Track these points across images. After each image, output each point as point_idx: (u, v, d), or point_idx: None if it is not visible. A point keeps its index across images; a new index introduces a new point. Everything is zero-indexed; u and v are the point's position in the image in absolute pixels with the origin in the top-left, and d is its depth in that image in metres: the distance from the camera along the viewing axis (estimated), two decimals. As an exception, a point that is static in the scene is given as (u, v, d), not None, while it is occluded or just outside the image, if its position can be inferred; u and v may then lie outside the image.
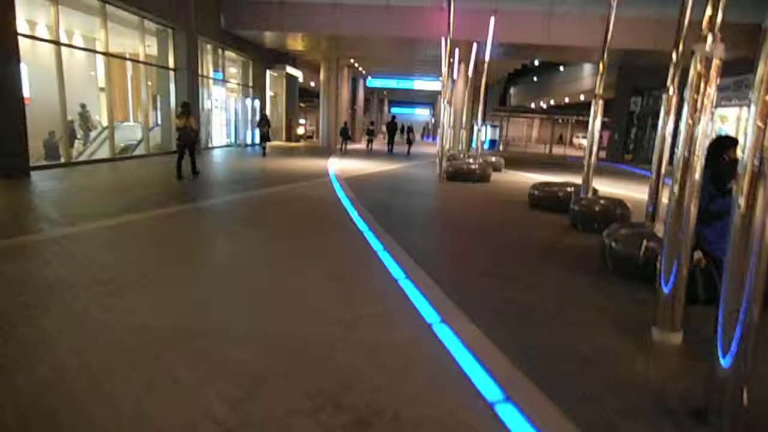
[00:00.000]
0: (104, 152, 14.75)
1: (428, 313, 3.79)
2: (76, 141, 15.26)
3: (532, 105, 52.74)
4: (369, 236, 6.30)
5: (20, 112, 10.16)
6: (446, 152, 14.88)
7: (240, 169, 14.60)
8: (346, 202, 8.74)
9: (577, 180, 8.73)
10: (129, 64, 16.89)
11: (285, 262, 5.09)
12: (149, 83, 18.11)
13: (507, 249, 6.25)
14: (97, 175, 11.20)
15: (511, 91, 57.45)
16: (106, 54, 13.86)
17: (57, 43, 12.00)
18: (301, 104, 38.07)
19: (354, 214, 7.69)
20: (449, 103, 13.57)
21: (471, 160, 14.52)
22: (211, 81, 20.66)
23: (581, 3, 19.92)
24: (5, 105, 9.78)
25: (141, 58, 15.78)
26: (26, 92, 12.35)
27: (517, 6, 19.02)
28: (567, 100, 44.54)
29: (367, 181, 12.44)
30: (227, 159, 17.94)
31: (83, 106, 15.22)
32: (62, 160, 12.39)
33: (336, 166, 15.80)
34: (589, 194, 7.88)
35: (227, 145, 22.05)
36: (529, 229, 7.55)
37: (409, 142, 26.85)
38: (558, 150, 36.12)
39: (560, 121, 44.52)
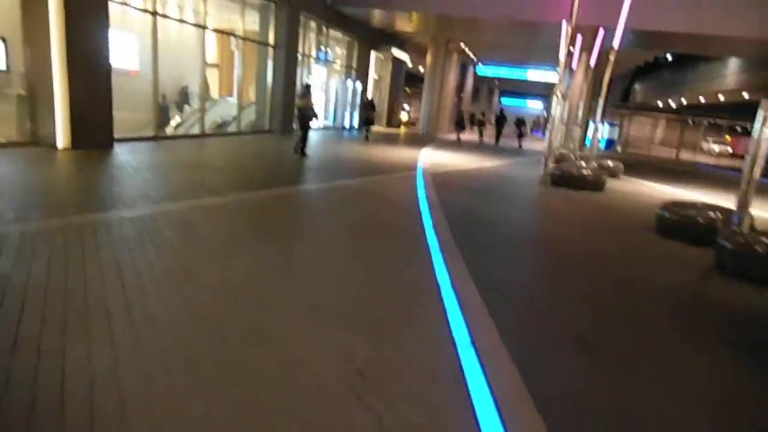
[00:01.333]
0: (196, 128, 14.49)
1: None
2: (175, 115, 15.18)
3: (659, 104, 47.31)
4: (436, 258, 4.84)
5: (107, 82, 9.81)
6: (554, 151, 12.85)
7: (328, 155, 13.64)
8: (423, 205, 7.31)
9: (721, 199, 6.58)
10: (228, 38, 16.53)
11: (301, 294, 3.81)
12: (247, 59, 17.72)
13: (621, 299, 4.50)
14: (181, 150, 10.70)
15: (636, 86, 52.02)
16: (203, 27, 13.41)
17: (153, 13, 11.61)
18: (407, 89, 36.84)
19: (428, 222, 6.25)
20: (563, 96, 11.53)
21: (582, 163, 12.40)
22: (311, 60, 19.95)
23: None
24: (92, 75, 9.44)
25: (240, 33, 15.27)
26: (135, 64, 12.25)
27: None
28: (702, 99, 39.19)
29: (458, 180, 10.88)
30: (321, 143, 17.13)
31: (185, 88, 15.01)
32: (150, 133, 12.10)
33: (429, 157, 14.34)
34: (746, 225, 5.79)
35: (324, 128, 21.35)
36: (656, 269, 5.65)
37: (521, 136, 25.28)
38: (686, 155, 31.75)
39: (691, 122, 39.35)
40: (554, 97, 13.03)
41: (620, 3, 15.26)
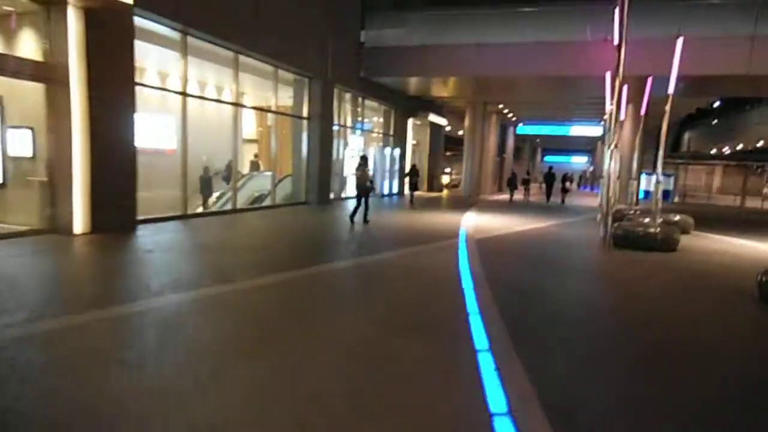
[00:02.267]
0: (230, 204, 14.04)
1: None
2: (211, 192, 14.85)
3: (713, 151, 44.84)
4: (486, 366, 3.62)
5: (132, 163, 9.39)
6: (612, 208, 11.47)
7: (361, 225, 12.76)
8: (467, 283, 6.12)
9: None
10: (263, 114, 16.42)
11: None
12: (283, 133, 17.54)
13: (741, 418, 3.12)
14: (207, 229, 10.01)
15: (686, 136, 49.86)
16: (237, 105, 13.16)
17: (183, 93, 11.39)
18: (447, 152, 36.30)
19: (473, 308, 5.06)
20: (616, 146, 10.30)
21: (647, 220, 10.94)
22: (348, 130, 19.60)
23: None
24: (115, 158, 9.03)
25: (274, 108, 15.02)
26: (172, 143, 11.97)
27: (707, 30, 15.04)
28: (761, 143, 36.73)
29: (505, 246, 9.64)
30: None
31: (229, 163, 14.71)
32: (178, 212, 11.58)
33: (473, 221, 13.19)
34: None
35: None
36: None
37: (565, 191, 24.55)
38: (750, 202, 29.18)
39: (755, 168, 36.73)
40: (606, 151, 11.85)
41: (667, 50, 14.25)
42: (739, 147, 40.66)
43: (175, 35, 11.04)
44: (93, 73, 8.37)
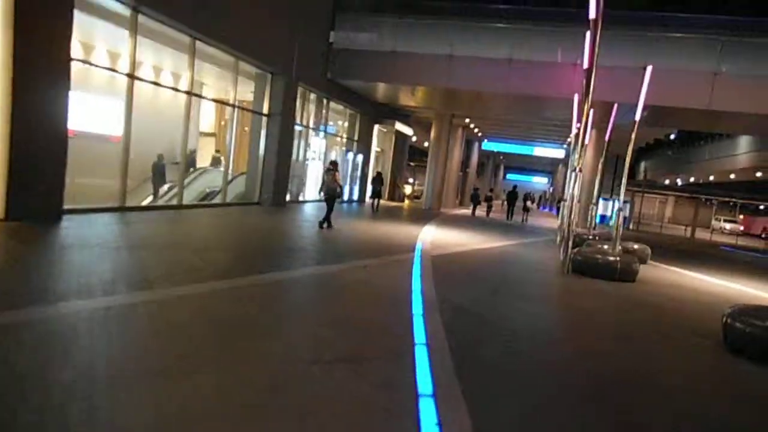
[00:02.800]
0: (176, 199, 13.14)
1: None
2: (160, 185, 13.90)
3: (666, 181, 46.23)
4: (426, 411, 3.05)
5: (61, 147, 8.45)
6: (572, 232, 11.21)
7: (318, 232, 12.10)
8: (417, 307, 5.57)
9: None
10: (221, 107, 15.58)
11: None
12: (240, 129, 16.73)
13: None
14: (142, 224, 9.12)
15: (642, 165, 51.29)
16: (190, 94, 12.29)
17: (130, 76, 10.48)
18: (411, 163, 36.01)
19: (420, 337, 4.49)
20: (580, 170, 10.03)
21: (606, 247, 10.71)
22: (310, 131, 18.91)
23: (752, 59, 15.59)
24: (42, 139, 8.09)
25: (232, 101, 14.20)
26: (117, 130, 11.00)
27: (672, 63, 15.14)
28: (712, 178, 38.02)
29: (461, 265, 9.17)
30: (315, 215, 15.64)
31: (160, 157, 13.75)
32: (115, 204, 10.61)
33: (431, 235, 12.71)
34: None
35: (320, 200, 19.95)
36: (743, 416, 3.81)
37: (526, 210, 25.08)
38: (699, 234, 30.00)
39: (703, 200, 37.95)
40: (571, 173, 11.63)
41: (633, 79, 14.27)
42: (692, 180, 42.01)
43: (124, 11, 10.15)
44: (20, 42, 7.45)
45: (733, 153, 31.12)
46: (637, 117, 10.69)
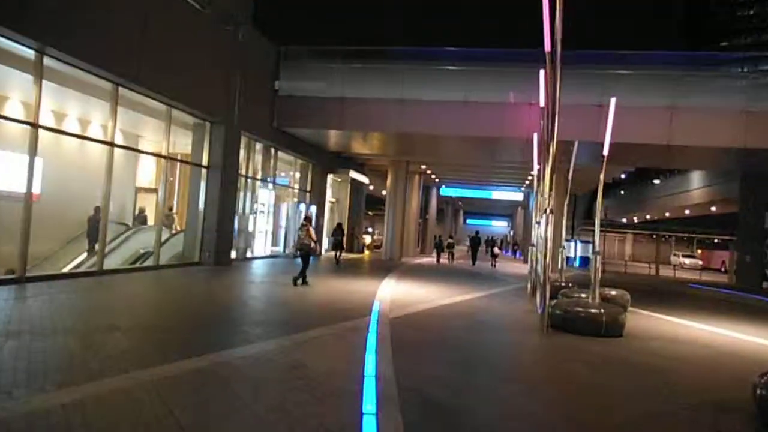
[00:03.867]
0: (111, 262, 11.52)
1: None
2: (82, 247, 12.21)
3: (623, 220, 46.80)
4: None
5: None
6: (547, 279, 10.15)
7: (262, 294, 10.59)
8: (370, 396, 4.20)
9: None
10: (156, 159, 14.15)
11: None
12: (172, 181, 15.36)
13: None
14: (36, 300, 7.42)
15: (596, 205, 52.12)
16: (110, 144, 10.84)
17: (33, 125, 9.01)
18: (369, 212, 34.98)
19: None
20: (551, 211, 9.02)
21: (585, 296, 9.67)
22: (258, 183, 17.58)
23: (708, 94, 15.52)
24: None
25: (163, 152, 12.80)
26: (33, 187, 9.40)
27: (630, 99, 14.79)
28: (667, 214, 38.52)
29: (426, 331, 7.83)
30: (263, 274, 14.11)
31: (96, 210, 12.16)
32: (14, 273, 8.88)
33: (391, 291, 11.39)
34: None
35: (272, 256, 18.43)
36: None
37: (494, 256, 25.44)
38: (663, 271, 29.78)
39: (661, 237, 38.26)
40: (536, 216, 10.75)
41: (593, 117, 13.81)
42: (647, 217, 42.57)
43: (27, 53, 8.79)
44: None
45: (687, 189, 31.55)
46: (605, 152, 9.88)
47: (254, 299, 9.38)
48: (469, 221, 55.92)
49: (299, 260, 11.79)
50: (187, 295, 9.70)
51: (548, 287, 8.10)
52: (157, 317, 7.55)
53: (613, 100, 9.46)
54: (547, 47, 9.63)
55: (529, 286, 12.98)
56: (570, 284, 11.64)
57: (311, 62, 17.34)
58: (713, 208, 31.48)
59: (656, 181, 38.80)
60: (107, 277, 10.46)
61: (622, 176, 41.24)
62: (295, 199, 20.64)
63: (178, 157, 14.84)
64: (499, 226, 56.47)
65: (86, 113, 12.55)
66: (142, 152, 13.78)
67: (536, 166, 13.55)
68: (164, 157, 12.83)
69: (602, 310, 7.99)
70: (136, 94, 11.30)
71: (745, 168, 21.38)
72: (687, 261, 38.18)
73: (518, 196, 32.50)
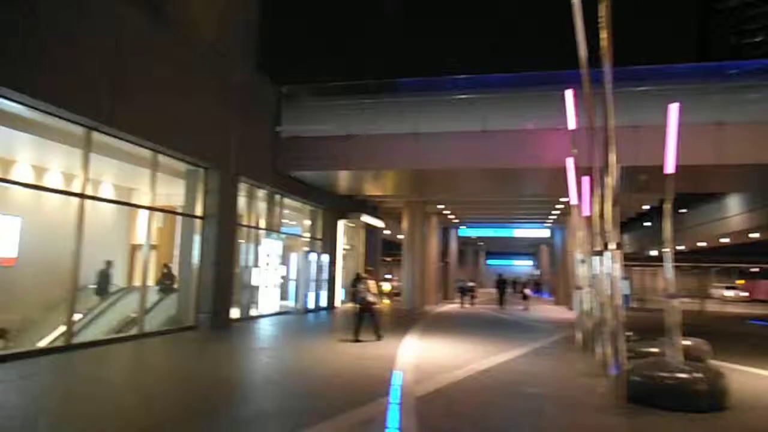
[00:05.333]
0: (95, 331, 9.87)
1: None
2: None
3: (654, 252, 44.10)
4: None
5: None
6: (606, 330, 8.17)
7: (244, 370, 8.71)
8: None
9: None
10: (142, 212, 12.68)
11: None
12: (167, 236, 13.88)
13: None
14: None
15: (624, 238, 49.55)
16: (81, 196, 9.30)
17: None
18: (386, 258, 33.07)
19: None
20: (617, 247, 7.07)
21: (654, 350, 7.67)
22: (261, 233, 15.94)
23: (755, 107, 13.70)
24: None
25: (147, 203, 11.25)
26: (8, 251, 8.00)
27: (663, 118, 13.04)
28: (703, 244, 35.91)
29: (466, 415, 5.85)
30: (265, 337, 12.23)
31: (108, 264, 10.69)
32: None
33: (414, 355, 9.40)
34: None
35: (281, 313, 16.56)
36: None
37: (525, 298, 24.24)
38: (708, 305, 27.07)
39: (698, 269, 35.54)
40: (589, 255, 8.95)
41: (630, 140, 12.19)
42: (679, 248, 39.97)
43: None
44: None
45: (724, 216, 29.23)
46: (668, 170, 8.02)
47: (239, 378, 7.51)
48: (490, 262, 53.47)
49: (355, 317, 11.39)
50: (166, 375, 7.81)
51: (623, 344, 6.08)
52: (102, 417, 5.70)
53: (674, 107, 7.65)
54: (583, 64, 8.09)
55: (579, 336, 10.88)
56: (631, 335, 9.55)
57: (315, 101, 15.97)
58: (756, 235, 28.98)
59: (683, 211, 36.47)
60: (79, 353, 8.72)
61: (647, 207, 39.09)
62: (305, 248, 18.92)
63: (167, 209, 13.32)
64: (521, 265, 53.90)
65: (52, 162, 11.19)
66: (117, 203, 12.25)
67: (573, 198, 11.69)
68: (149, 208, 11.26)
69: (698, 375, 5.94)
70: (120, 141, 9.94)
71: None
72: (729, 293, 35.23)
73: (543, 233, 30.38)
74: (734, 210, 27.79)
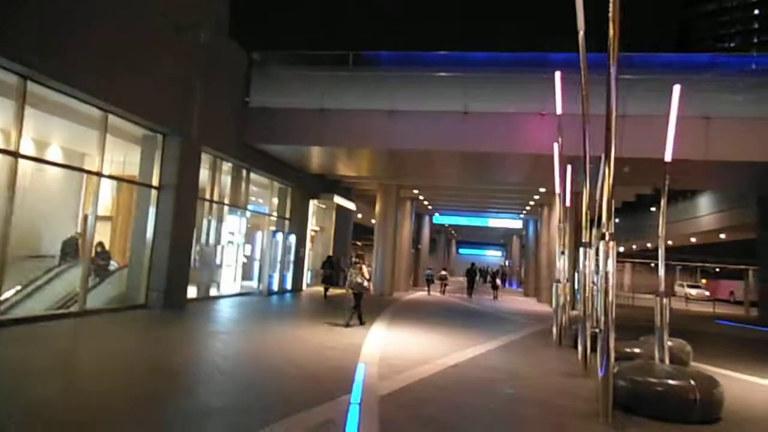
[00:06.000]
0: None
1: None
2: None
3: (621, 249, 44.49)
4: None
5: None
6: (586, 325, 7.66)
7: (194, 356, 7.83)
8: None
9: None
10: (76, 175, 11.57)
11: None
12: (120, 206, 12.81)
13: None
14: None
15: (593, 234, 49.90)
16: (14, 155, 8.19)
17: None
18: (357, 242, 32.27)
19: None
20: (611, 239, 6.43)
21: (637, 351, 7.16)
22: (225, 209, 14.93)
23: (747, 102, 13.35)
24: None
25: (95, 169, 10.14)
26: None
27: (654, 107, 12.53)
28: (670, 243, 36.22)
29: (435, 419, 5.16)
30: (222, 320, 11.36)
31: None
32: None
33: (380, 345, 8.69)
34: None
35: (243, 294, 15.63)
36: None
37: (495, 288, 24.11)
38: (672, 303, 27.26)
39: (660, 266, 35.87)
40: (594, 244, 8.40)
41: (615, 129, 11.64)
42: (648, 245, 40.38)
43: None
44: None
45: (694, 215, 29.37)
46: (667, 158, 7.44)
47: (183, 366, 6.65)
48: (461, 251, 53.28)
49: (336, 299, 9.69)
50: (89, 361, 6.83)
51: (611, 345, 5.45)
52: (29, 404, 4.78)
53: (676, 88, 7.01)
54: (583, 45, 7.35)
55: (554, 330, 10.37)
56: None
57: (287, 70, 14.92)
58: (722, 236, 29.23)
59: (653, 209, 36.69)
60: (6, 330, 7.69)
61: (618, 205, 39.33)
62: (273, 228, 17.97)
63: (121, 177, 12.21)
64: (493, 255, 53.86)
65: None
66: (55, 165, 11.02)
67: (558, 186, 11.11)
68: (96, 174, 10.15)
69: (692, 382, 5.35)
70: (66, 97, 8.84)
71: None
72: (693, 291, 35.72)
73: (516, 224, 30.06)
74: (705, 210, 27.92)
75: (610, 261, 5.72)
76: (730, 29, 71.94)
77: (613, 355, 5.53)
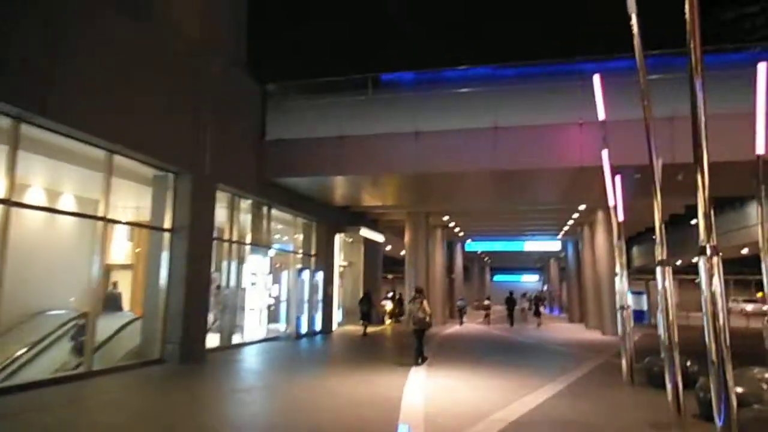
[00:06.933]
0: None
1: None
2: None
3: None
4: None
5: None
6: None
7: (245, 407, 6.65)
8: None
9: None
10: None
11: None
12: (126, 251, 11.98)
13: None
14: None
15: (633, 251, 47.41)
16: (4, 202, 7.39)
17: None
18: (388, 275, 31.01)
19: None
20: (716, 252, 5.07)
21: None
22: (246, 248, 13.97)
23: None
24: None
25: (100, 213, 9.29)
26: None
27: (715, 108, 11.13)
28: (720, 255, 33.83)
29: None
30: (245, 372, 10.20)
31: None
32: None
33: (422, 399, 7.36)
34: None
35: (269, 339, 14.48)
36: None
37: (538, 314, 23.19)
38: (736, 321, 24.95)
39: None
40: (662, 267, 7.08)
41: (665, 134, 10.42)
42: (694, 260, 37.85)
43: None
44: None
45: (745, 225, 27.24)
46: (759, 149, 6.10)
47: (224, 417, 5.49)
48: (496, 278, 51.24)
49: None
50: None
51: (732, 385, 4.08)
52: None
53: (761, 66, 5.74)
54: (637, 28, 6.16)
55: (624, 364, 8.86)
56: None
57: (304, 99, 14.13)
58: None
59: (694, 222, 34.52)
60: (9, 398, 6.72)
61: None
62: (298, 266, 16.92)
63: (132, 222, 11.41)
64: (528, 281, 51.57)
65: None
66: (50, 211, 10.14)
67: (611, 198, 9.78)
68: (100, 219, 9.29)
69: None
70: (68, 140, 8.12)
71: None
72: (748, 307, 33.04)
73: (554, 246, 28.36)
74: (756, 219, 25.79)
75: (715, 279, 4.40)
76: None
77: (734, 399, 4.19)
